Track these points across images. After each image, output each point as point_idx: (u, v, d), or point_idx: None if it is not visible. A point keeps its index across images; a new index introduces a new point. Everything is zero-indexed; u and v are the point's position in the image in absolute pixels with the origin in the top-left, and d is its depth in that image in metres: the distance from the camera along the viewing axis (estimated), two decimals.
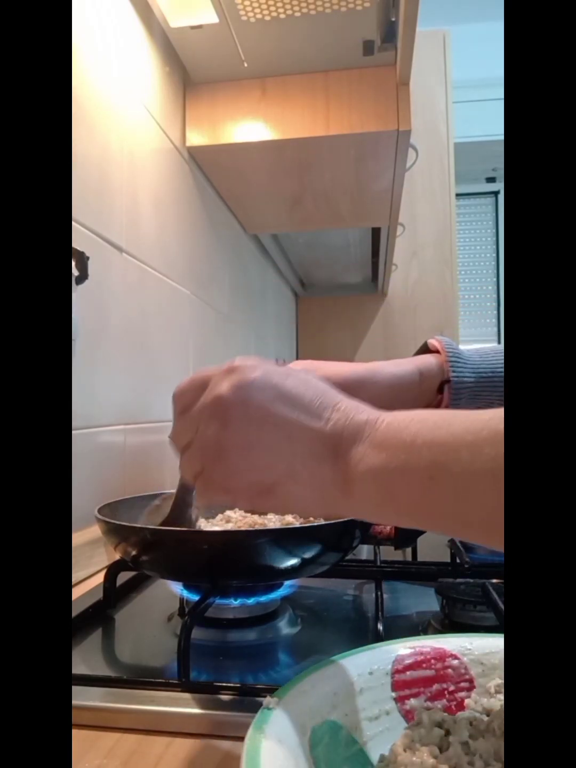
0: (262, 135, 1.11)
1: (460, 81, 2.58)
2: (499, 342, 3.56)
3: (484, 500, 0.27)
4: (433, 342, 0.62)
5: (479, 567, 0.63)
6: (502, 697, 0.35)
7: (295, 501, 0.34)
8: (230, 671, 0.45)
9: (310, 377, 0.35)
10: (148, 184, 0.97)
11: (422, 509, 0.30)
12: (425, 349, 0.63)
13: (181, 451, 0.37)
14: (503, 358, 0.59)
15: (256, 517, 0.64)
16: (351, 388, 0.47)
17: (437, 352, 0.61)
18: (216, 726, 0.37)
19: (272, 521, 0.63)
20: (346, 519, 0.48)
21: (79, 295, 0.71)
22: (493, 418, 0.27)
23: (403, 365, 0.59)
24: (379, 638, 0.46)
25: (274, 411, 0.33)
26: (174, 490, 0.56)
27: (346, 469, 0.31)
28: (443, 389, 0.59)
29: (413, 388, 0.58)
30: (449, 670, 0.37)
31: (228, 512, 0.65)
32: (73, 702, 0.38)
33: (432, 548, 0.73)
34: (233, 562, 0.47)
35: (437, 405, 0.59)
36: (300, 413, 0.33)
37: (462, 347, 0.62)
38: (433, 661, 0.37)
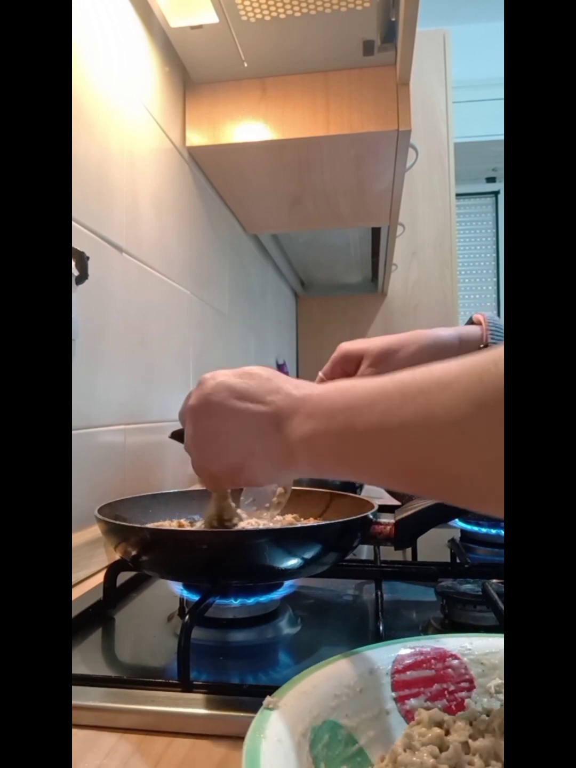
0: (262, 135, 1.11)
1: (460, 81, 2.58)
2: None
3: (381, 451, 0.33)
4: (477, 315, 0.70)
5: (479, 567, 0.63)
6: (502, 697, 0.35)
7: (259, 473, 0.42)
8: (230, 671, 0.45)
9: (259, 371, 0.43)
10: (148, 184, 0.97)
11: (343, 464, 0.36)
12: (470, 323, 0.71)
13: None
14: None
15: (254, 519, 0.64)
16: (387, 355, 0.62)
17: (480, 323, 0.68)
18: (216, 726, 0.37)
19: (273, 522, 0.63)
20: (344, 520, 0.50)
21: (79, 295, 0.71)
22: (389, 381, 0.33)
23: (446, 331, 0.67)
24: (379, 638, 0.46)
25: (229, 406, 0.41)
26: (173, 490, 0.62)
27: (287, 439, 0.38)
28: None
29: (451, 351, 0.64)
30: (449, 670, 0.37)
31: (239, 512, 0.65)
32: (73, 702, 0.38)
33: (432, 548, 0.73)
34: (233, 562, 0.47)
35: None
36: (249, 403, 0.41)
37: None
38: (433, 661, 0.37)
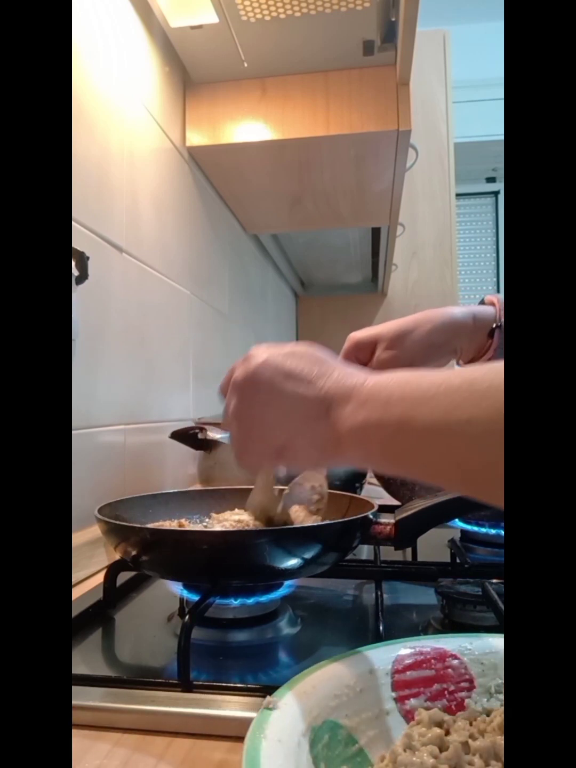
0: (262, 135, 1.11)
1: (460, 81, 2.58)
2: None
3: (443, 448, 0.31)
4: (490, 297, 0.70)
5: (479, 567, 0.63)
6: (502, 697, 0.35)
7: (302, 457, 0.41)
8: (230, 671, 0.45)
9: (311, 352, 0.41)
10: (148, 184, 0.97)
11: (397, 459, 0.35)
12: (482, 304, 0.71)
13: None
14: None
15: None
16: (402, 337, 0.62)
17: (493, 305, 0.69)
18: (216, 726, 0.37)
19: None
20: (349, 518, 0.50)
21: (79, 295, 0.71)
22: (455, 376, 0.31)
23: (459, 310, 0.68)
24: (379, 638, 0.46)
25: (278, 386, 0.40)
26: (173, 490, 0.63)
27: (336, 426, 0.37)
28: (494, 334, 0.65)
29: (466, 329, 0.66)
30: (449, 670, 0.37)
31: (238, 511, 0.65)
32: (73, 702, 0.38)
33: (432, 548, 0.73)
34: (233, 562, 0.47)
35: (487, 349, 0.66)
36: (298, 385, 0.39)
37: None
38: (433, 661, 0.37)
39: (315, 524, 0.57)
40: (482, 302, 0.71)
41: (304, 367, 0.40)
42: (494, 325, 0.66)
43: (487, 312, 0.67)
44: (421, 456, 0.33)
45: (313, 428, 0.38)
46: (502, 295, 0.69)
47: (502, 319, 0.66)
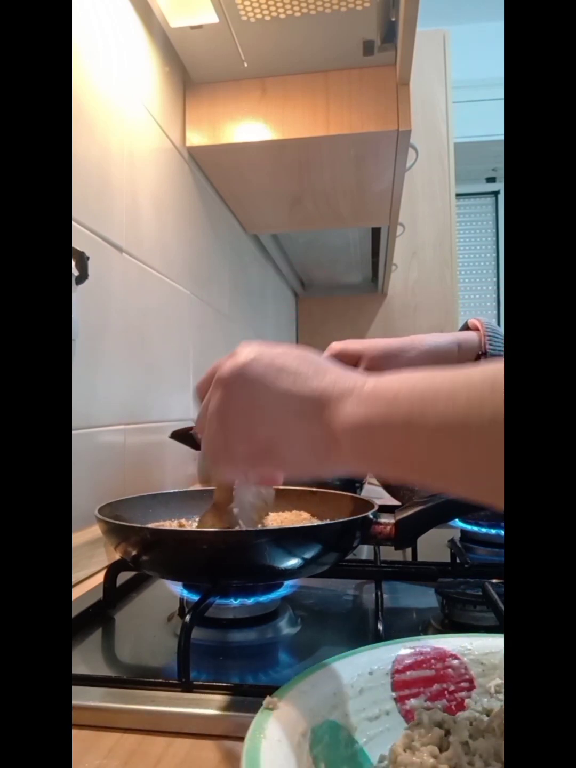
0: (262, 135, 1.11)
1: (460, 81, 2.58)
2: None
3: (459, 450, 0.27)
4: (473, 321, 0.69)
5: (479, 567, 0.63)
6: (502, 697, 0.35)
7: (291, 459, 0.37)
8: (230, 671, 0.45)
9: (305, 353, 0.38)
10: (148, 184, 0.97)
11: (403, 460, 0.31)
12: (466, 328, 0.70)
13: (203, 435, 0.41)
14: None
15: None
16: (387, 358, 0.59)
17: (477, 329, 0.67)
18: (216, 726, 0.37)
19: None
20: (350, 526, 0.49)
21: (79, 295, 0.71)
22: (475, 371, 0.28)
23: (444, 337, 0.66)
24: (379, 638, 0.46)
25: (268, 380, 0.36)
26: (173, 490, 0.63)
27: (333, 425, 0.33)
28: (480, 361, 0.65)
29: (451, 357, 0.64)
30: (449, 670, 0.37)
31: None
32: (73, 702, 0.38)
33: (432, 548, 0.73)
34: (233, 562, 0.47)
35: None
36: (291, 381, 0.36)
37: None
38: (433, 661, 0.37)
39: (315, 524, 0.57)
40: (465, 326, 0.70)
41: (298, 364, 0.37)
42: (479, 353, 0.65)
43: (472, 340, 0.66)
44: (430, 456, 0.29)
45: (306, 428, 0.35)
46: (485, 319, 0.69)
47: (487, 347, 0.65)
